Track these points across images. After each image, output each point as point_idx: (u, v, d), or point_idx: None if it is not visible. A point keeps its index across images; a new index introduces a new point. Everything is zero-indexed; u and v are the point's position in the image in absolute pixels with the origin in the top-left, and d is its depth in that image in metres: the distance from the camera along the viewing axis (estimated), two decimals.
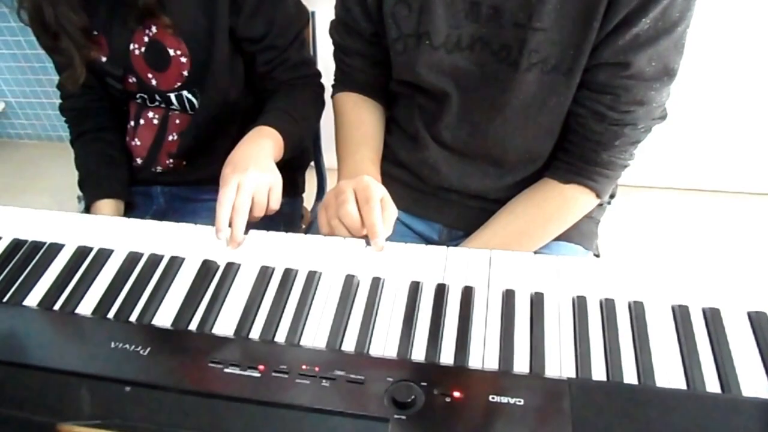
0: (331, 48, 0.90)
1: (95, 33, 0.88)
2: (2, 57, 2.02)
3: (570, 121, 0.76)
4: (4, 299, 0.64)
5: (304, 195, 1.19)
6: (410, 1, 0.72)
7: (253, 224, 0.72)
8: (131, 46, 0.89)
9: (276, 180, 0.77)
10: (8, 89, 2.14)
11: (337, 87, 0.93)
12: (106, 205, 0.96)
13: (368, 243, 0.66)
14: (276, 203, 0.76)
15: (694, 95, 1.58)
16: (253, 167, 0.73)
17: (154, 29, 0.88)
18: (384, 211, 0.67)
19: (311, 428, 0.47)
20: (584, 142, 0.75)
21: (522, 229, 0.79)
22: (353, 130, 0.88)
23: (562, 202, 0.79)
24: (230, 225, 0.69)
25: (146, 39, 0.89)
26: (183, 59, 0.89)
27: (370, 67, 0.87)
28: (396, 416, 0.47)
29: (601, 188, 0.78)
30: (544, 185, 0.80)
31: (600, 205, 0.93)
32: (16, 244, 0.71)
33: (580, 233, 0.87)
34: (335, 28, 0.86)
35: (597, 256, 0.95)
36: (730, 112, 1.66)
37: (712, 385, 0.52)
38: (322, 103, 1.01)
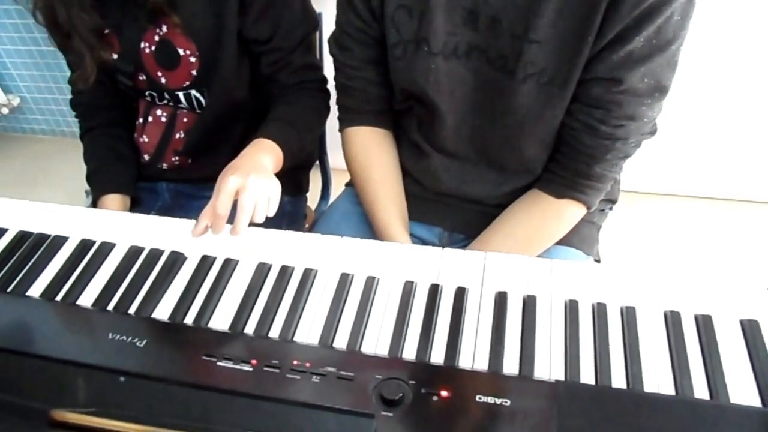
0: None
1: (107, 31, 0.90)
2: (18, 53, 2.06)
3: (562, 132, 0.76)
4: (9, 289, 0.66)
5: (307, 194, 1.20)
6: (411, 7, 0.73)
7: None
8: (142, 45, 0.91)
9: (275, 190, 0.75)
10: (23, 84, 2.18)
11: (346, 120, 0.90)
12: (112, 199, 0.98)
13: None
14: (273, 210, 0.74)
15: (691, 104, 1.57)
16: (254, 174, 0.74)
17: (164, 28, 0.89)
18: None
19: (299, 422, 0.47)
20: (576, 155, 0.75)
21: (518, 246, 0.80)
22: (363, 179, 0.89)
23: (556, 216, 0.80)
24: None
25: (156, 38, 0.90)
26: (192, 59, 0.91)
27: (379, 75, 0.84)
28: (383, 413, 0.48)
29: (592, 201, 0.79)
30: (538, 200, 0.81)
31: (601, 210, 0.93)
32: (22, 236, 0.72)
33: (581, 238, 0.87)
34: (338, 42, 0.83)
35: (598, 261, 0.96)
36: (729, 121, 1.65)
37: (701, 391, 0.52)
38: (326, 109, 1.01)
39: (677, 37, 0.65)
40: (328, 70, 1.00)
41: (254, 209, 0.70)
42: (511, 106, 0.74)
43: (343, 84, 0.87)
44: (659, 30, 0.63)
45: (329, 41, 0.86)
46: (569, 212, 0.80)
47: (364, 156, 0.89)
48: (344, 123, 0.90)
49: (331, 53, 0.86)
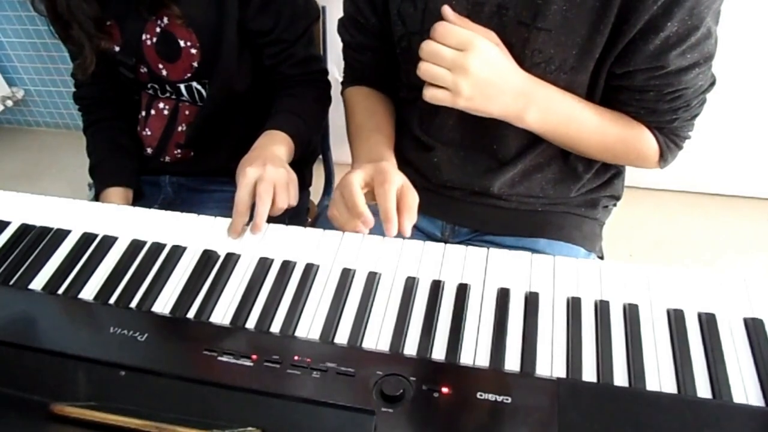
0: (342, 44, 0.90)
1: (108, 23, 0.90)
2: (22, 45, 2.06)
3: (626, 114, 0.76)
4: (11, 282, 0.66)
5: (310, 189, 1.20)
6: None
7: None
8: (143, 37, 0.91)
9: (292, 178, 0.78)
10: (27, 77, 2.18)
11: (348, 83, 0.94)
12: (115, 193, 0.98)
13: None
14: (294, 199, 0.77)
15: None
16: (271, 164, 0.75)
17: (165, 20, 0.89)
18: (405, 197, 0.66)
19: (299, 417, 0.47)
20: (647, 126, 0.76)
21: (595, 114, 0.75)
22: (366, 118, 0.88)
23: (639, 131, 0.77)
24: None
25: (158, 30, 0.90)
26: (193, 50, 0.90)
27: (381, 62, 0.87)
28: (383, 409, 0.48)
29: (667, 148, 0.78)
30: (629, 118, 0.77)
31: (605, 207, 0.92)
32: (25, 229, 0.72)
33: (583, 235, 0.87)
34: (344, 26, 0.87)
35: (601, 258, 0.95)
36: (734, 117, 1.64)
37: (703, 390, 0.52)
38: (328, 101, 1.02)
39: (710, 11, 0.63)
40: (334, 60, 1.00)
41: (274, 198, 0.72)
42: None
43: (346, 60, 0.92)
44: (692, 11, 0.62)
45: (338, 21, 0.88)
46: (648, 141, 0.77)
47: (368, 102, 0.90)
48: (345, 85, 0.94)
49: (338, 32, 0.89)
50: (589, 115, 0.74)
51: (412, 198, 0.67)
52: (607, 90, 0.74)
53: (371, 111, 0.89)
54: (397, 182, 0.67)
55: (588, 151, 0.79)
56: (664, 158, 0.80)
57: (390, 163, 0.73)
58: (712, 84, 0.74)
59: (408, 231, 0.65)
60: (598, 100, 0.75)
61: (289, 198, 0.75)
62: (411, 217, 0.66)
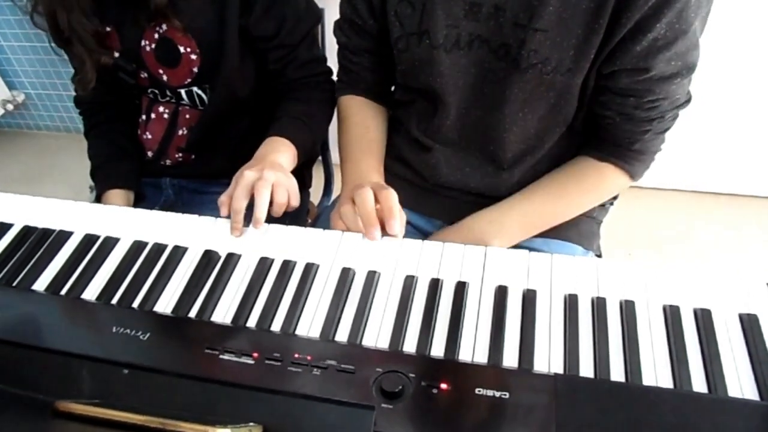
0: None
1: (108, 29, 0.90)
2: (23, 49, 2.06)
3: (599, 122, 0.78)
4: (15, 284, 0.67)
5: (310, 189, 1.21)
6: (413, 0, 0.73)
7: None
8: (142, 43, 0.91)
9: (292, 182, 0.78)
10: (28, 81, 2.19)
11: (342, 89, 0.94)
12: (116, 195, 0.98)
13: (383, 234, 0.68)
14: (296, 200, 0.77)
15: (693, 99, 1.57)
16: (269, 168, 0.75)
17: (164, 27, 0.90)
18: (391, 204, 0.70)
19: (299, 414, 0.48)
20: (616, 137, 0.78)
21: (557, 203, 0.80)
22: (358, 135, 0.89)
23: (598, 178, 0.80)
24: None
25: (157, 36, 0.90)
26: (193, 56, 0.91)
27: (377, 65, 0.88)
28: (383, 405, 0.48)
29: (635, 170, 0.80)
30: (582, 162, 0.81)
31: (602, 206, 0.93)
32: (27, 231, 0.73)
33: (580, 233, 0.88)
34: (341, 28, 0.88)
35: (599, 256, 0.96)
36: (729, 116, 1.65)
37: (699, 384, 0.52)
38: (333, 102, 1.02)
39: (697, 16, 0.65)
40: (332, 61, 1.01)
41: (272, 200, 0.72)
42: (513, 94, 0.74)
43: (341, 63, 0.92)
44: (680, 14, 0.63)
45: (334, 24, 0.89)
46: (611, 177, 0.80)
47: (360, 116, 0.91)
48: (340, 92, 0.95)
49: (334, 34, 0.90)
50: (551, 206, 0.81)
51: (402, 214, 0.71)
52: (591, 91, 0.75)
53: (364, 127, 0.90)
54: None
55: (566, 218, 0.84)
56: (632, 175, 0.81)
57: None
58: (688, 101, 0.76)
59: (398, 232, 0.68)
60: (586, 105, 0.76)
61: (290, 198, 0.76)
62: (402, 231, 0.69)
